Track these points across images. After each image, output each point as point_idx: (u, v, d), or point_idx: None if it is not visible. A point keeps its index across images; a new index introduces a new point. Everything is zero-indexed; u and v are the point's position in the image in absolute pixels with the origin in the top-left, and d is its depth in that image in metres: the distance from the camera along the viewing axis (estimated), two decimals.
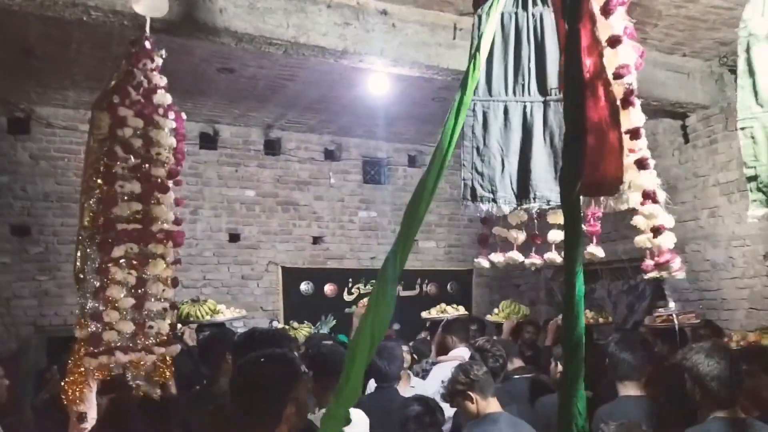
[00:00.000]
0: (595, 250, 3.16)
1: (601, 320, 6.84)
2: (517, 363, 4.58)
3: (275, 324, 6.79)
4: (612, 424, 2.63)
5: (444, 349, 5.73)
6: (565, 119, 1.87)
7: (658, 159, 3.09)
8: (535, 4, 3.23)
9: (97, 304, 2.62)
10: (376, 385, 4.12)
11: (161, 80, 3.27)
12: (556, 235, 3.34)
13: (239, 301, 7.46)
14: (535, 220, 3.34)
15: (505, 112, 3.17)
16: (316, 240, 8.14)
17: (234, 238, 7.66)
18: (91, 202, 2.86)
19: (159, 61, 3.29)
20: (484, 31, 2.27)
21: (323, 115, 7.42)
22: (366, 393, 4.22)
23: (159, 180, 2.99)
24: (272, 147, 8.01)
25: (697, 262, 6.09)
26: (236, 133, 7.74)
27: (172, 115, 3.23)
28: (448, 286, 8.75)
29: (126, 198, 2.84)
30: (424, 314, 6.81)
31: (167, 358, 2.84)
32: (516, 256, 3.42)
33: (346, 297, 7.88)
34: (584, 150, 1.91)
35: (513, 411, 3.47)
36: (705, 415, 2.61)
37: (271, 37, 4.30)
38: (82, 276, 2.72)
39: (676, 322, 5.55)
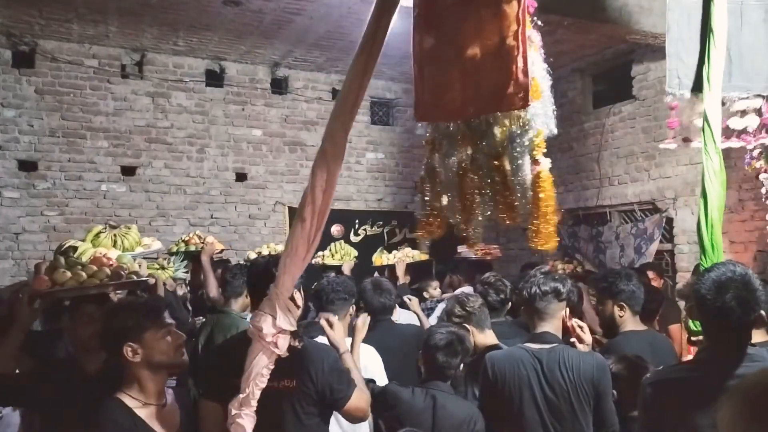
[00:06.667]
0: None
1: (579, 270, 6.52)
2: None
3: None
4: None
5: (452, 288, 5.89)
6: None
7: None
8: None
9: None
10: (370, 318, 4.10)
11: None
12: (736, 123, 3.72)
13: (246, 240, 7.50)
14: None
15: (705, 7, 3.35)
16: None
17: (241, 177, 7.63)
18: None
19: None
20: None
21: (331, 53, 7.28)
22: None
23: None
24: (279, 86, 7.90)
25: None
26: (242, 70, 7.62)
27: None
28: None
29: None
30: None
31: None
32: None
33: (353, 238, 7.88)
34: None
35: (511, 345, 3.44)
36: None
37: None
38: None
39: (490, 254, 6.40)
